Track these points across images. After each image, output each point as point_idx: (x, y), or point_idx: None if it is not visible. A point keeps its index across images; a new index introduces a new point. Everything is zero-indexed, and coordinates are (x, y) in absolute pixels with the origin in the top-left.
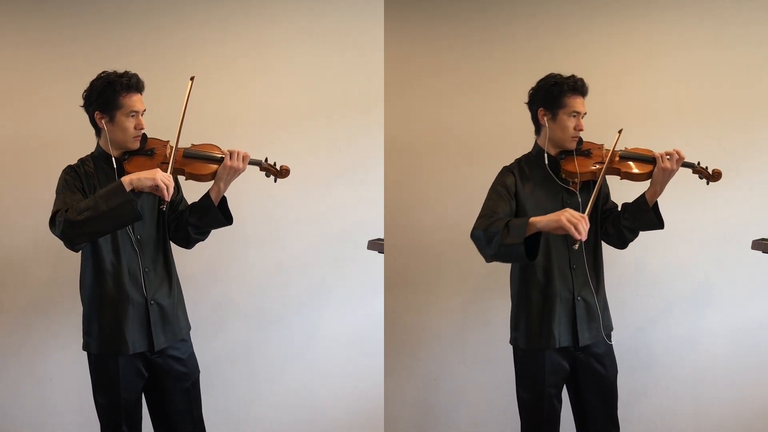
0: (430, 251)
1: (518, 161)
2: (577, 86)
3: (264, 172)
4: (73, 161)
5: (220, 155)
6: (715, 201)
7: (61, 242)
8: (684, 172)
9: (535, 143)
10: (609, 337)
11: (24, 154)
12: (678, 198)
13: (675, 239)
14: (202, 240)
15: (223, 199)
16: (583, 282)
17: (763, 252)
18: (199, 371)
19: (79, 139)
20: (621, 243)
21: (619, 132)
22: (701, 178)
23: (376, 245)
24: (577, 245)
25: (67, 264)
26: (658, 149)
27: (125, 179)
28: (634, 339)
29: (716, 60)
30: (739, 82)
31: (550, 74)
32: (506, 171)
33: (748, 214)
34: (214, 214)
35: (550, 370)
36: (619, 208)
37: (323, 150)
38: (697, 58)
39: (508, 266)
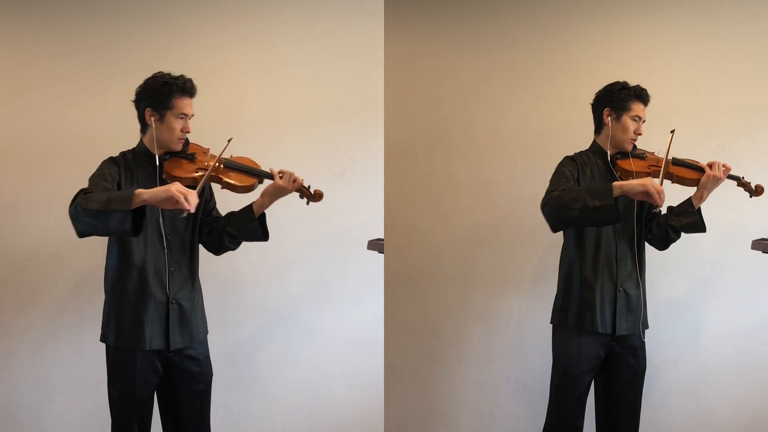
0: (430, 251)
1: (578, 154)
2: (642, 94)
3: (298, 193)
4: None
5: (261, 170)
6: (715, 201)
7: (61, 242)
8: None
9: (594, 141)
10: (643, 333)
11: (23, 155)
12: (678, 198)
13: None
14: (233, 249)
15: (262, 215)
16: (626, 275)
17: (763, 252)
18: (212, 374)
19: (86, 139)
20: (663, 243)
21: (672, 132)
22: (745, 191)
23: (376, 245)
24: (656, 210)
25: (68, 264)
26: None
27: (139, 191)
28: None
29: (716, 59)
30: (739, 82)
31: (617, 81)
32: (568, 159)
33: (748, 214)
34: (254, 226)
35: (584, 354)
36: (665, 211)
37: (323, 150)
38: (697, 57)
39: (507, 266)
